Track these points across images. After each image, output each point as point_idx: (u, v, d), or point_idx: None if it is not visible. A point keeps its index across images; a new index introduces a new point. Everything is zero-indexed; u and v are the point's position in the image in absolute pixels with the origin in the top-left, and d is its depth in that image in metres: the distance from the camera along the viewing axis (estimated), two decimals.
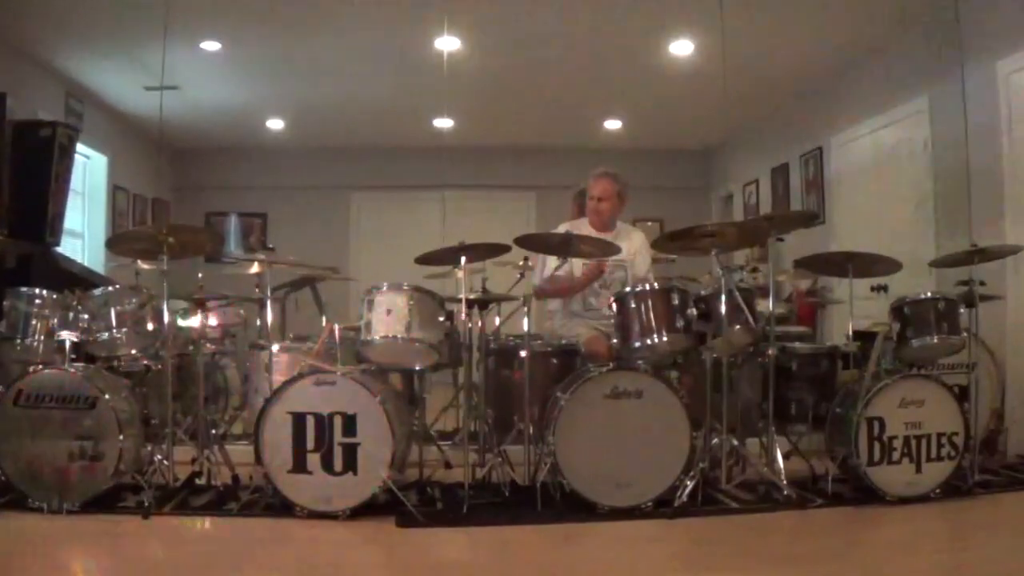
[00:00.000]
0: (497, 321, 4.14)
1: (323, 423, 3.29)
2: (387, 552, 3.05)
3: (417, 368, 3.77)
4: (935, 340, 3.63)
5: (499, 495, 3.54)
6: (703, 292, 3.66)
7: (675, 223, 3.85)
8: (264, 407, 3.35)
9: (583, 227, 4.22)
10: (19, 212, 4.88)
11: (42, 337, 3.60)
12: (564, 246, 3.72)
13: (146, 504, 3.26)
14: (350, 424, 3.29)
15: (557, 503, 3.38)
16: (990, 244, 3.77)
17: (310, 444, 3.29)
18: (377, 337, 3.49)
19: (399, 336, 3.47)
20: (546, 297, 4.28)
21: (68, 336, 3.46)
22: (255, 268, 3.94)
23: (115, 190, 6.88)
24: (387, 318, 3.48)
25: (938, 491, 3.48)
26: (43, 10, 5.11)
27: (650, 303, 3.56)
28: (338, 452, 3.28)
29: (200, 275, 3.96)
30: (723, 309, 3.48)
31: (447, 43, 5.71)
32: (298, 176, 8.11)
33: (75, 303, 3.61)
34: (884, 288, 3.97)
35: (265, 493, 3.34)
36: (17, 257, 4.62)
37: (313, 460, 3.29)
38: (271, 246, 4.08)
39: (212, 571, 2.80)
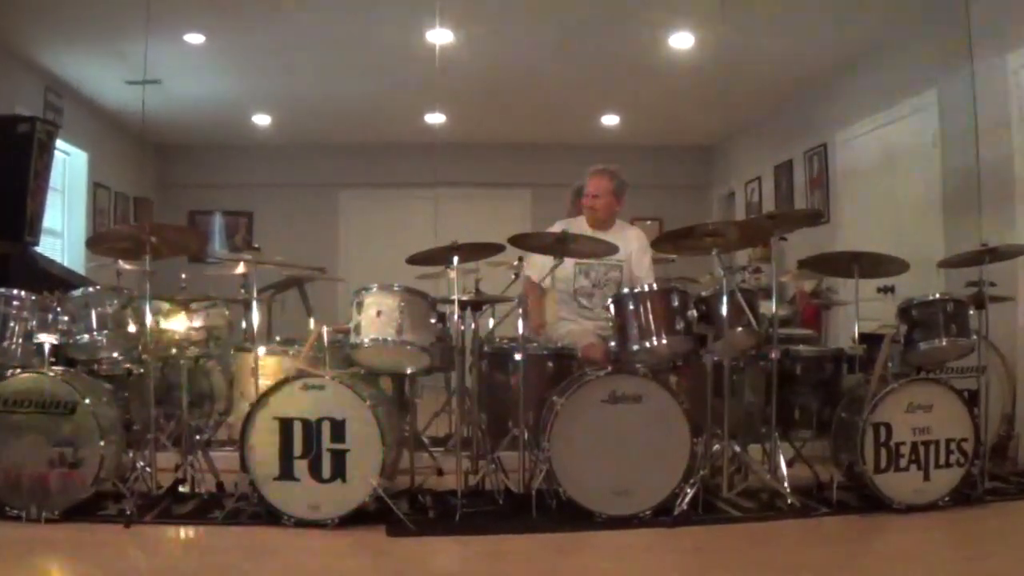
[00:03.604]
0: (491, 323, 4.14)
1: (311, 429, 3.26)
2: (377, 562, 3.02)
3: (408, 372, 3.73)
4: (943, 343, 3.59)
5: (493, 503, 3.50)
6: (704, 293, 3.66)
7: (675, 222, 3.85)
8: (250, 412, 3.31)
9: (580, 225, 4.19)
10: None
11: (20, 340, 3.53)
12: (560, 245, 3.64)
13: (128, 512, 3.21)
14: (339, 430, 3.26)
15: (553, 511, 3.36)
16: (1001, 244, 3.74)
17: (297, 450, 3.26)
18: (367, 340, 3.46)
19: (389, 339, 3.45)
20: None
21: (47, 339, 3.41)
22: (240, 268, 3.97)
23: (96, 188, 6.81)
24: (377, 320, 3.46)
25: (947, 499, 3.45)
26: (21, 2, 5.06)
27: (649, 305, 3.54)
28: (326, 459, 3.25)
29: (184, 276, 3.98)
30: (724, 311, 3.46)
31: (439, 36, 5.69)
32: (285, 173, 8.06)
33: (54, 304, 3.56)
34: (891, 289, 3.95)
35: (251, 501, 3.29)
36: None
37: (301, 467, 3.25)
38: (257, 246, 4.08)
39: None
